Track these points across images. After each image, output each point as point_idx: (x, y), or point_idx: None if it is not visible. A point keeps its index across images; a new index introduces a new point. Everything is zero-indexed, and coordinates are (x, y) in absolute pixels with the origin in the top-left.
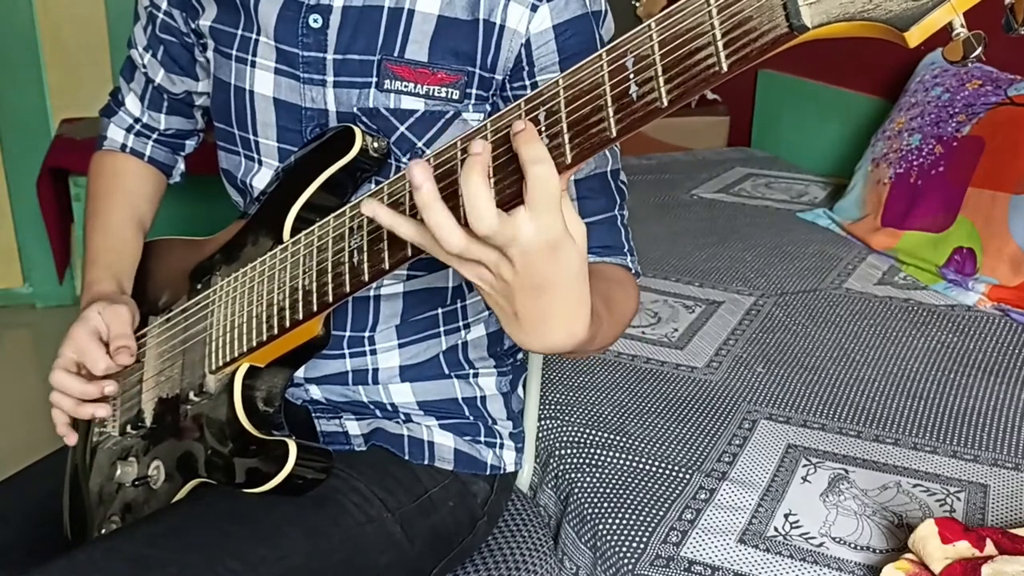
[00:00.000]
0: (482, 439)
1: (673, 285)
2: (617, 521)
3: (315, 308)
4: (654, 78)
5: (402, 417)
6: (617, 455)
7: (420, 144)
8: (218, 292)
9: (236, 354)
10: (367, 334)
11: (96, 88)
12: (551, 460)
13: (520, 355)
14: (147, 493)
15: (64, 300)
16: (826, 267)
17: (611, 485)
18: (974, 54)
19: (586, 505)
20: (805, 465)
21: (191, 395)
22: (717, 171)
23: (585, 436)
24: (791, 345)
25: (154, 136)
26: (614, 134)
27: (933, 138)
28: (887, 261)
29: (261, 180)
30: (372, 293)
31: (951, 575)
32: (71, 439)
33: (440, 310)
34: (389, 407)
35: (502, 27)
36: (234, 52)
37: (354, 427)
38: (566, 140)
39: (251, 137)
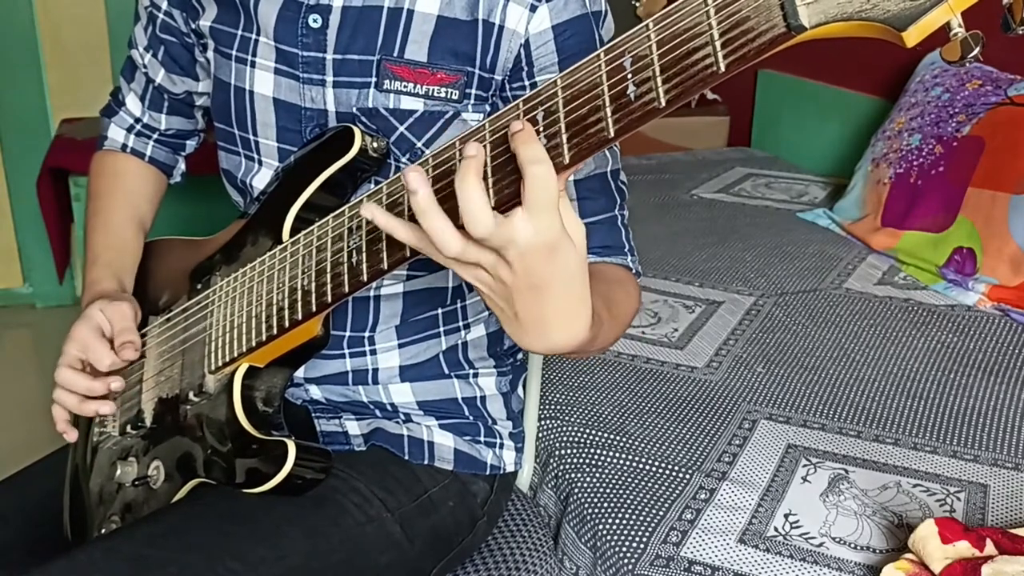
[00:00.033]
0: (482, 439)
1: (673, 285)
2: (617, 521)
3: (314, 308)
4: (652, 78)
5: (402, 417)
6: (617, 455)
7: (419, 144)
8: (218, 292)
9: (235, 354)
10: (367, 334)
11: (96, 88)
12: (551, 460)
13: (520, 355)
14: (147, 493)
15: (64, 300)
16: (826, 267)
17: (611, 485)
18: (972, 54)
19: (586, 505)
20: (805, 465)
21: (191, 395)
22: (717, 171)
23: (585, 436)
24: (791, 345)
25: (155, 136)
26: (612, 134)
27: (933, 138)
28: (887, 261)
29: (261, 180)
30: (372, 293)
31: (951, 575)
32: (71, 436)
33: (440, 310)
34: (389, 407)
35: (501, 27)
36: (234, 52)
37: (354, 427)
38: (564, 140)
39: (251, 137)
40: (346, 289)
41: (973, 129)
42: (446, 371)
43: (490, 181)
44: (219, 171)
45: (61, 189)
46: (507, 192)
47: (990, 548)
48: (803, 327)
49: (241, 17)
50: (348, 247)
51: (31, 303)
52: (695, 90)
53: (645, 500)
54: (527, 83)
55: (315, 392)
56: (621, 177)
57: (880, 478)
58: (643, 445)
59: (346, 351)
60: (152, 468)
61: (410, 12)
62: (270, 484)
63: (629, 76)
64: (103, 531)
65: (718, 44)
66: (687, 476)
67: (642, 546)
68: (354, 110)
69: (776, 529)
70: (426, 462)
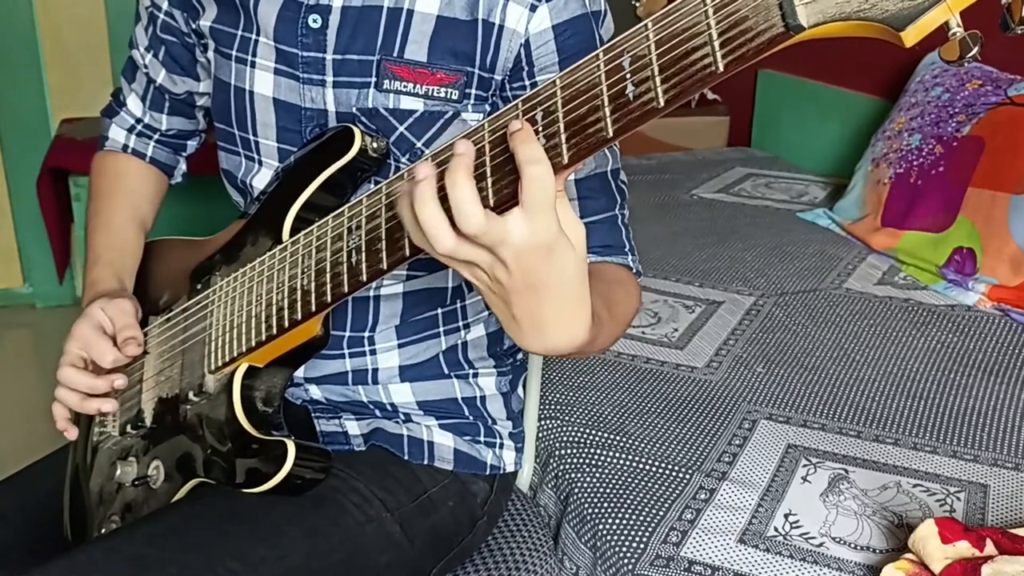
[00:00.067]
0: (482, 439)
1: (673, 285)
2: (617, 521)
3: (314, 308)
4: (650, 78)
5: (402, 417)
6: (617, 455)
7: (419, 144)
8: (218, 292)
9: (235, 354)
10: (367, 334)
11: (96, 88)
12: (551, 460)
13: (520, 355)
14: (147, 493)
15: (64, 300)
16: (826, 267)
17: (611, 485)
18: (970, 54)
19: (586, 505)
20: (805, 465)
21: (191, 395)
22: (717, 171)
23: (585, 436)
24: (791, 345)
25: (155, 136)
26: (611, 134)
27: (933, 138)
28: (887, 261)
29: (261, 180)
30: (372, 293)
31: (951, 575)
32: (72, 433)
33: (440, 310)
34: (389, 407)
35: (501, 27)
36: (234, 52)
37: (353, 427)
38: (563, 140)
39: (251, 137)
40: (345, 289)
41: (973, 129)
42: (446, 371)
43: (489, 181)
44: (219, 171)
45: (61, 189)
46: (506, 192)
47: (990, 548)
48: (803, 327)
49: (241, 17)
50: (348, 247)
51: (31, 303)
52: (694, 90)
53: (645, 500)
54: (527, 83)
55: (315, 392)
56: (621, 176)
57: (880, 478)
58: (643, 445)
59: (346, 351)
60: (152, 468)
61: (410, 12)
62: (270, 484)
63: (628, 76)
64: (103, 531)
65: (717, 44)
66: (687, 476)
67: (642, 546)
68: (354, 110)
69: (776, 529)
70: (426, 462)
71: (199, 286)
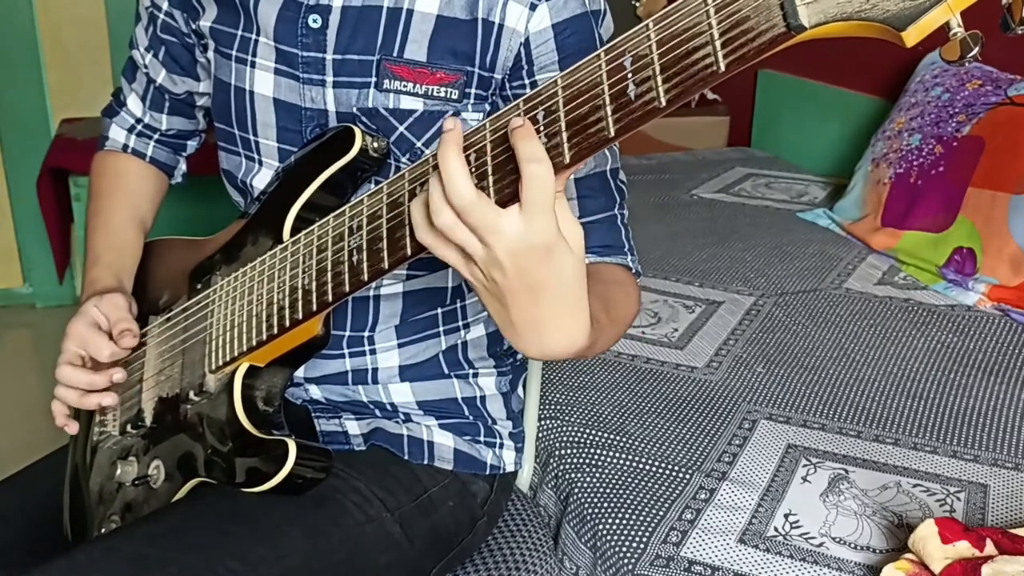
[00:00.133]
0: (482, 439)
1: (673, 285)
2: (617, 521)
3: (315, 307)
4: (652, 78)
5: (402, 417)
6: (617, 455)
7: (419, 144)
8: (218, 292)
9: (236, 353)
10: (367, 334)
11: (96, 88)
12: (551, 460)
13: (520, 355)
14: (147, 492)
15: (64, 300)
16: (826, 267)
17: (611, 485)
18: (971, 54)
19: (586, 505)
20: (805, 465)
21: (191, 394)
22: (717, 171)
23: (585, 436)
24: (791, 345)
25: (156, 136)
26: (612, 134)
27: (933, 138)
28: (887, 261)
29: (261, 180)
30: (372, 293)
31: (951, 575)
32: (72, 428)
33: (440, 310)
34: (389, 407)
35: (501, 26)
36: (234, 53)
37: (354, 427)
38: (564, 140)
39: (251, 137)
40: (347, 288)
41: (973, 129)
42: (446, 371)
43: (491, 180)
44: (219, 171)
45: (61, 189)
46: (507, 192)
47: (990, 548)
48: (803, 327)
49: (241, 17)
50: (349, 246)
51: (31, 303)
52: (695, 90)
53: (645, 500)
54: (527, 82)
55: (315, 392)
56: (621, 176)
57: (880, 478)
58: (643, 445)
59: (346, 351)
60: (152, 467)
61: (409, 12)
62: (270, 483)
63: (629, 76)
64: (103, 531)
65: (718, 44)
66: (687, 476)
67: (642, 546)
68: (354, 110)
69: (776, 529)
70: (426, 462)
71: (199, 286)
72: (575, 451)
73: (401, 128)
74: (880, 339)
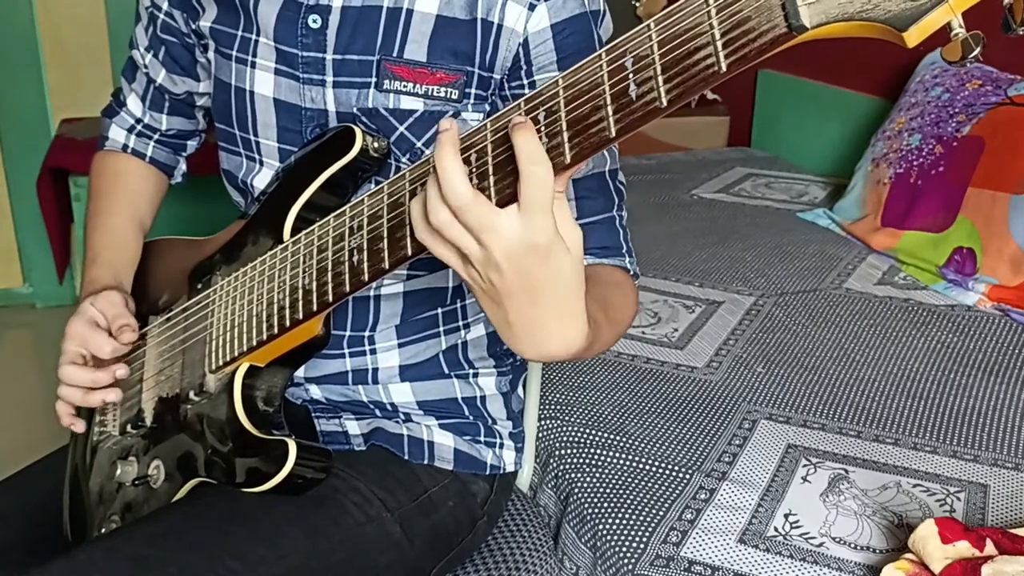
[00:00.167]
0: (482, 439)
1: (673, 285)
2: (617, 521)
3: (315, 307)
4: (653, 78)
5: (402, 417)
6: (617, 455)
7: (419, 144)
8: (218, 292)
9: (236, 353)
10: (367, 334)
11: (96, 88)
12: (551, 460)
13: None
14: (147, 492)
15: (64, 300)
16: (826, 267)
17: (611, 485)
18: (972, 54)
19: (586, 505)
20: (805, 465)
21: (191, 394)
22: (717, 171)
23: (585, 436)
24: (791, 345)
25: (155, 137)
26: (613, 134)
27: (933, 138)
28: (887, 261)
29: (262, 180)
30: (372, 293)
31: (951, 575)
32: (79, 427)
33: (440, 310)
34: (389, 407)
35: (500, 26)
36: (234, 53)
37: (354, 427)
38: (565, 140)
39: (252, 138)
40: (347, 288)
41: (973, 129)
42: (446, 371)
43: (491, 180)
44: (219, 171)
45: (61, 189)
46: (508, 192)
47: (990, 548)
48: (803, 327)
49: (241, 18)
50: (349, 246)
51: (31, 303)
52: (696, 90)
53: (645, 500)
54: (525, 82)
55: (315, 392)
56: (619, 177)
57: (880, 478)
58: (643, 445)
59: (346, 351)
60: (152, 467)
61: (409, 12)
62: (271, 483)
63: (630, 76)
64: (103, 531)
65: (719, 44)
66: (687, 476)
67: (642, 546)
68: (354, 110)
69: (776, 529)
70: (426, 462)
71: (199, 286)
72: (575, 451)
73: (401, 128)
74: (880, 339)
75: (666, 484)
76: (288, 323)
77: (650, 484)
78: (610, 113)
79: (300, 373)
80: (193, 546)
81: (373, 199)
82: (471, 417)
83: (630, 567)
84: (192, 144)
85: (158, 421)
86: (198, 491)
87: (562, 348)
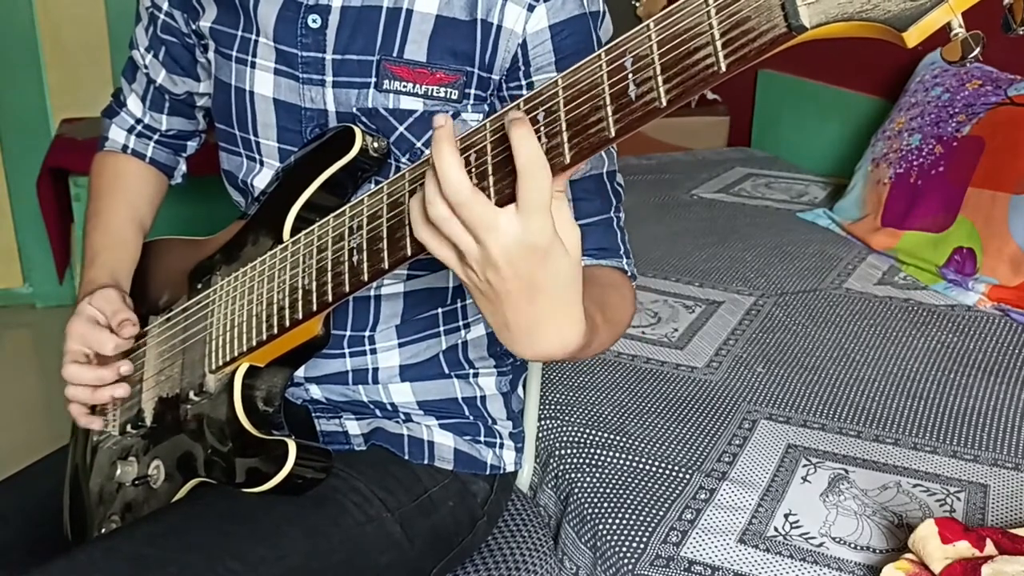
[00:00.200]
0: (482, 439)
1: (673, 285)
2: (617, 521)
3: (315, 307)
4: (653, 78)
5: (402, 417)
6: (617, 455)
7: (419, 144)
8: (218, 292)
9: (236, 353)
10: (367, 333)
11: (96, 88)
12: (551, 460)
13: None
14: (147, 492)
15: (64, 300)
16: (826, 267)
17: (611, 485)
18: (972, 54)
19: (586, 505)
20: (805, 465)
21: (191, 394)
22: (717, 171)
23: (585, 436)
24: (791, 345)
25: (155, 137)
26: (613, 134)
27: (933, 138)
28: (887, 261)
29: (262, 180)
30: (372, 293)
31: (951, 575)
32: (96, 424)
33: (440, 310)
34: (389, 407)
35: (499, 27)
36: (234, 53)
37: (354, 427)
38: (565, 140)
39: (252, 138)
40: (347, 288)
41: (973, 129)
42: (446, 371)
43: (491, 180)
44: (219, 171)
45: (61, 189)
46: (507, 192)
47: (990, 548)
48: (803, 327)
49: (241, 18)
50: (349, 246)
51: (31, 303)
52: (696, 90)
53: (645, 500)
54: (524, 83)
55: (315, 391)
56: (618, 179)
57: (880, 478)
58: (643, 445)
59: (346, 351)
60: (152, 468)
61: (409, 12)
62: (271, 483)
63: (630, 76)
64: (103, 531)
65: (719, 44)
66: (687, 476)
67: (642, 546)
68: (354, 110)
69: (776, 529)
70: (426, 462)
71: (199, 286)
72: (575, 451)
73: (401, 128)
74: (880, 339)
75: (666, 484)
76: (288, 323)
77: (650, 484)
78: (609, 113)
79: (300, 373)
80: (193, 546)
81: (373, 199)
82: (471, 417)
83: (630, 567)
84: (192, 145)
85: (158, 421)
86: (198, 491)
87: (559, 349)
